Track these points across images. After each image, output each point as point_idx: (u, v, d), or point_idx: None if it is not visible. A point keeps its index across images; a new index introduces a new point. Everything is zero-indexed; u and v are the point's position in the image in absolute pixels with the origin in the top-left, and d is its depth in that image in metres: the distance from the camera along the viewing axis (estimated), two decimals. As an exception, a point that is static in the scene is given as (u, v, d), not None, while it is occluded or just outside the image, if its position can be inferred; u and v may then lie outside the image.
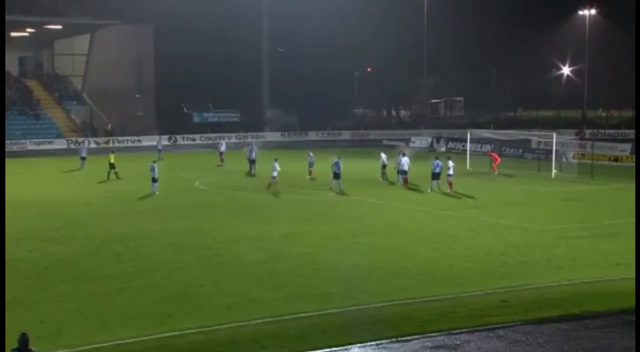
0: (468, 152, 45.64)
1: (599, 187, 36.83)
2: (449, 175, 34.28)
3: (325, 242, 22.53)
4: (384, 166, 38.34)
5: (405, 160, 36.12)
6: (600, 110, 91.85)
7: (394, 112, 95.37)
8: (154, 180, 33.01)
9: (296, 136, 71.67)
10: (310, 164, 39.64)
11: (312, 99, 77.61)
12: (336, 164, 34.41)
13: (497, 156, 43.45)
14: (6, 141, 55.53)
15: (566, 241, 22.83)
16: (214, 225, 25.36)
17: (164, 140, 59.33)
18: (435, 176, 34.43)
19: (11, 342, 10.23)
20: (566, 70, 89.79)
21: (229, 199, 32.19)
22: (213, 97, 75.15)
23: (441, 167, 34.46)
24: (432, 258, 20.49)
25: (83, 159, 44.73)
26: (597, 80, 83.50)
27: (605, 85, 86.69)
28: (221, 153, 47.15)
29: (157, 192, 32.75)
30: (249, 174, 41.07)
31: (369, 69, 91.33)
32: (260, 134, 69.07)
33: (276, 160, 34.77)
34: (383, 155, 39.16)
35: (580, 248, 21.82)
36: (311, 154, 40.55)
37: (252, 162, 41.75)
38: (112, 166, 38.94)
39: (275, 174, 33.90)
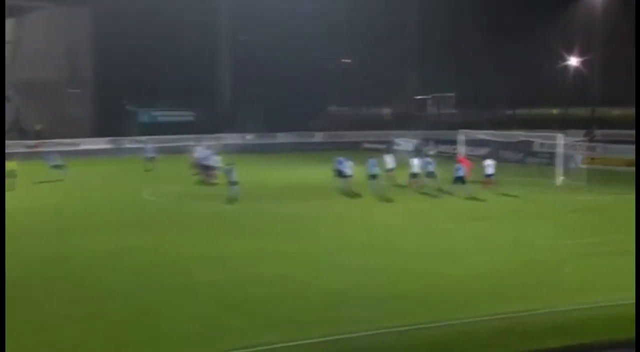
0: (460, 156, 45.94)
1: (612, 196, 37.39)
2: (488, 175, 37.57)
3: (300, 262, 22.57)
4: (414, 175, 38.75)
5: (416, 162, 38.56)
6: (613, 107, 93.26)
7: (374, 111, 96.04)
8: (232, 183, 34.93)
9: (261, 138, 71.80)
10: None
11: (280, 95, 77.85)
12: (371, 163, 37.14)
13: (467, 161, 44.18)
14: None
15: (576, 258, 23.17)
16: (167, 242, 25.30)
17: (105, 143, 58.99)
18: (458, 180, 36.64)
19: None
20: (574, 61, 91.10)
21: (185, 211, 32.18)
22: (163, 94, 74.94)
23: (463, 171, 36.82)
24: (426, 279, 20.63)
25: None
26: (610, 74, 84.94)
27: (620, 79, 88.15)
28: (206, 166, 42.92)
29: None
30: (206, 182, 41.03)
31: (346, 61, 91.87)
32: (219, 135, 69.06)
33: (231, 165, 35.75)
34: (415, 161, 39.29)
35: (593, 267, 22.18)
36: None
37: (206, 168, 41.69)
38: (11, 174, 38.11)
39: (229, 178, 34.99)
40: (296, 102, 78.63)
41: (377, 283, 20.18)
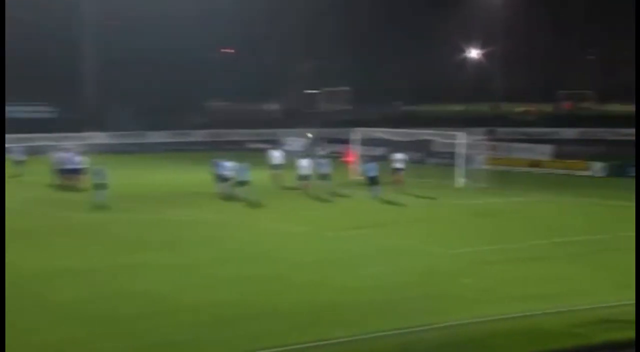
0: (356, 156, 46.84)
1: (515, 199, 38.71)
2: (397, 169, 39.25)
3: (176, 275, 22.47)
4: (304, 177, 39.02)
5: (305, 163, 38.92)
6: (516, 104, 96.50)
7: (260, 107, 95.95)
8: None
9: (132, 138, 70.73)
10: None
11: (154, 89, 76.92)
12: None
13: (351, 155, 45.15)
14: None
15: (477, 267, 23.88)
16: (25, 256, 24.68)
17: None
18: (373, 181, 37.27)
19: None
20: (475, 55, 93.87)
21: (46, 221, 31.52)
22: (16, 86, 72.67)
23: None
24: (314, 292, 20.85)
25: None
26: (513, 68, 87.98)
27: (523, 73, 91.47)
28: (68, 170, 41.60)
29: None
30: (69, 187, 40.18)
31: (228, 51, 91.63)
32: (83, 134, 67.60)
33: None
34: (304, 162, 39.68)
35: (494, 276, 22.84)
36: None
37: (68, 172, 40.82)
38: None
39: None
40: (172, 97, 77.93)
41: (262, 298, 20.26)
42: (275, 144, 58.62)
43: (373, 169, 37.62)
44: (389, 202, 36.75)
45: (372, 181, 37.53)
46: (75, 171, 40.39)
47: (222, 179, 37.68)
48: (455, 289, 21.40)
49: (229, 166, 37.68)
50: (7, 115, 70.35)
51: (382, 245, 27.03)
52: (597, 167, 48.78)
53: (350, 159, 47.68)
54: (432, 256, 25.46)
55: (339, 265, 24.05)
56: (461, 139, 44.11)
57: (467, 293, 21.06)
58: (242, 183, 36.63)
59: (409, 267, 23.88)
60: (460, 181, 42.27)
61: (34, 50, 71.30)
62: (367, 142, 51.24)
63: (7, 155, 47.87)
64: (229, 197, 36.70)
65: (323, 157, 42.14)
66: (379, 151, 53.20)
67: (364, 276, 22.62)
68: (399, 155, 40.85)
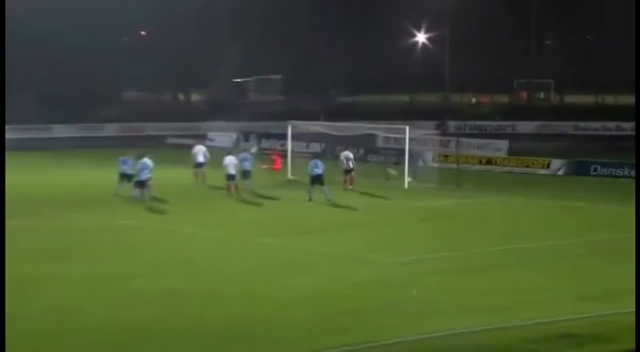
0: (289, 153, 46.93)
1: (466, 200, 39.22)
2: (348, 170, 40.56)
3: (84, 289, 22.31)
4: (231, 177, 38.70)
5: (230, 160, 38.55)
6: (468, 94, 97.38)
7: (181, 97, 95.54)
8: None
9: (35, 131, 69.73)
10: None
11: (60, 76, 75.85)
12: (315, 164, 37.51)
13: (278, 158, 45.23)
14: None
15: (425, 276, 24.07)
16: None
17: None
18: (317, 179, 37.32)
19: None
20: (422, 38, 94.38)
21: None
22: None
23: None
24: (240, 307, 20.86)
25: None
26: (464, 55, 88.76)
27: (475, 61, 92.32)
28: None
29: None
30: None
31: (142, 33, 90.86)
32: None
33: None
34: (229, 160, 39.14)
35: (444, 286, 23.08)
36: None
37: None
38: None
39: None
40: (80, 86, 76.97)
41: (183, 313, 20.23)
42: (199, 139, 58.49)
43: (317, 167, 37.50)
44: (328, 205, 36.82)
45: (318, 180, 37.41)
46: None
47: (125, 178, 37.52)
48: (399, 302, 21.55)
49: (130, 164, 37.53)
50: None
51: (319, 252, 27.10)
52: (557, 165, 49.55)
53: (277, 157, 47.82)
54: (374, 264, 25.61)
55: (270, 275, 24.10)
56: (408, 134, 44.22)
57: (411, 306, 21.23)
58: (141, 183, 36.26)
59: (347, 277, 23.97)
60: (406, 180, 42.51)
61: None
62: (301, 137, 51.32)
63: None
64: (136, 200, 36.37)
65: (247, 152, 41.98)
66: (316, 147, 53.41)
67: (297, 288, 22.71)
68: (348, 153, 41.44)
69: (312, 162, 37.93)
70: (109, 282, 23.10)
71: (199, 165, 41.82)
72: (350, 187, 40.80)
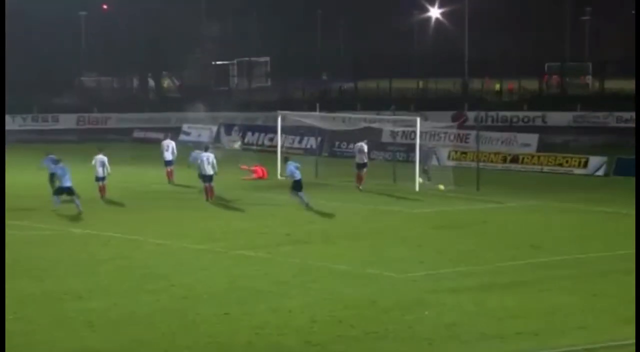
0: (279, 149, 46.98)
1: (488, 205, 39.12)
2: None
3: (30, 309, 22.29)
4: (207, 178, 38.75)
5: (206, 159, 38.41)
6: (490, 80, 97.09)
7: (151, 83, 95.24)
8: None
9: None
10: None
11: (8, 60, 75.56)
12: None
13: (260, 170, 45.23)
14: None
15: (439, 295, 23.88)
16: None
17: None
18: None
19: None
20: (436, 12, 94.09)
21: None
22: None
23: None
24: (221, 331, 20.75)
25: None
26: (485, 33, 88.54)
27: (498, 39, 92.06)
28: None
29: None
30: None
31: (104, 7, 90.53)
32: None
33: None
34: (204, 157, 39.11)
35: (461, 308, 22.87)
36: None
37: None
38: None
39: None
40: (29, 70, 76.80)
41: (142, 339, 20.06)
42: (172, 132, 58.32)
43: (299, 170, 37.44)
44: (325, 211, 36.82)
45: (299, 187, 37.33)
46: None
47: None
48: (408, 326, 21.30)
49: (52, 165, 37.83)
50: None
51: (314, 267, 27.00)
52: (596, 163, 49.29)
53: (258, 168, 47.33)
54: (378, 281, 25.47)
55: (255, 294, 23.91)
56: (419, 127, 44.01)
57: (423, 330, 20.94)
58: (60, 190, 36.42)
59: (346, 296, 23.81)
60: (417, 182, 42.39)
61: None
62: (292, 130, 51.20)
63: None
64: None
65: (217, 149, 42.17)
66: (310, 143, 53.12)
67: (287, 309, 22.53)
68: (363, 145, 42.92)
69: (292, 166, 37.72)
70: (60, 302, 23.07)
71: (168, 163, 42.00)
72: (360, 187, 41.17)
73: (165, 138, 45.00)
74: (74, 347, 19.63)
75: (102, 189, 38.92)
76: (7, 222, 32.84)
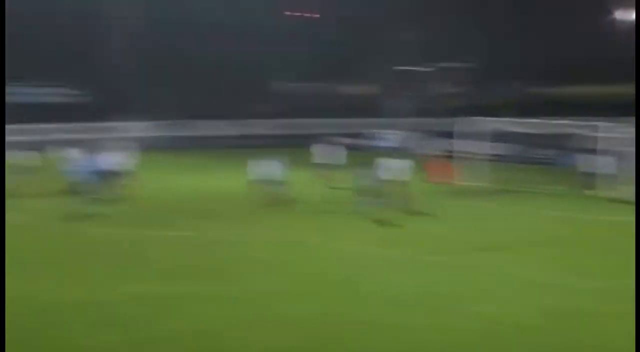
0: (462, 155, 47.28)
1: None
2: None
3: (226, 312, 22.52)
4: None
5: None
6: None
7: (341, 89, 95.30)
8: None
9: (176, 130, 71.46)
10: None
11: (204, 66, 77.50)
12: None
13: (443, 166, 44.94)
14: None
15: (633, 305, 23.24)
16: (36, 285, 25.04)
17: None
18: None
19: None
20: (627, 15, 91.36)
21: (49, 238, 32.23)
22: (29, 65, 73.98)
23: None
24: (418, 337, 20.62)
25: None
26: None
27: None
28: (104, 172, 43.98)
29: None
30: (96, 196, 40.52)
31: (301, 15, 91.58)
32: (114, 124, 68.45)
33: None
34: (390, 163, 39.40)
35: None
36: None
37: (103, 175, 41.14)
38: None
39: None
40: (229, 77, 78.38)
41: (328, 344, 20.14)
42: (367, 137, 58.88)
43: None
44: (507, 218, 36.90)
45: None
46: (112, 174, 40.04)
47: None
48: (614, 335, 20.82)
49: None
50: (26, 100, 72.24)
51: (502, 274, 26.81)
52: None
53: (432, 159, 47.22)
54: (576, 290, 25.02)
55: (443, 301, 23.78)
56: (610, 132, 43.70)
57: (624, 342, 20.07)
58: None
59: (543, 304, 23.44)
60: (619, 189, 42.09)
61: (51, 28, 72.57)
62: (481, 136, 50.99)
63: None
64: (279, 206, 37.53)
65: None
66: (502, 149, 52.68)
67: (484, 315, 22.32)
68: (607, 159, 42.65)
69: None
70: (254, 304, 23.33)
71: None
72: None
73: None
74: (271, 344, 19.79)
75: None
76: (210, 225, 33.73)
